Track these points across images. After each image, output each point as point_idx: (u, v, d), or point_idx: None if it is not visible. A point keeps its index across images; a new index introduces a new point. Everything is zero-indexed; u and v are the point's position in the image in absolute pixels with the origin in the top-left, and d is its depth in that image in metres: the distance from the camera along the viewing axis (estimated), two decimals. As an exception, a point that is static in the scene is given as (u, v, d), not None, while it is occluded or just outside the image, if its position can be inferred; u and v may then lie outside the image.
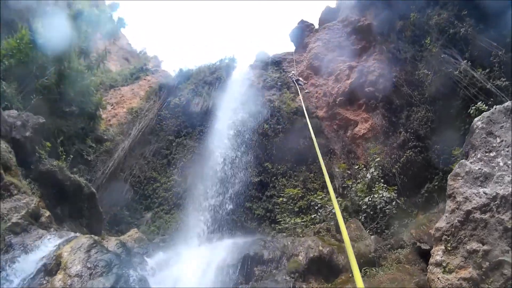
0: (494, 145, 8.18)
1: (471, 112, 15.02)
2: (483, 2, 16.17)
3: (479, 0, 16.48)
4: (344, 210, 17.60)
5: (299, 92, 23.55)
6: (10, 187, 12.03)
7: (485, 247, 7.31)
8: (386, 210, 16.38)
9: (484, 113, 9.01)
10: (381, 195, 16.70)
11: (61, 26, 19.01)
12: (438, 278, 7.95)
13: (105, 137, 23.09)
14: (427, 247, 12.13)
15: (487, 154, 8.18)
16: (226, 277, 12.07)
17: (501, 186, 7.46)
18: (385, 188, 17.14)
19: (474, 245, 7.49)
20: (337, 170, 20.54)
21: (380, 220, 16.36)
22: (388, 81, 21.03)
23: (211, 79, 27.94)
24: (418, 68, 18.99)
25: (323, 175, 19.72)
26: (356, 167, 19.67)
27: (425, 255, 12.05)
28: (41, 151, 14.73)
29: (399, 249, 13.29)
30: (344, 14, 26.11)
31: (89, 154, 21.13)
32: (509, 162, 7.73)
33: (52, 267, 10.43)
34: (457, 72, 16.70)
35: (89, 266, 10.35)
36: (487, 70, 15.84)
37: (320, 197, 18.37)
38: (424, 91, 18.59)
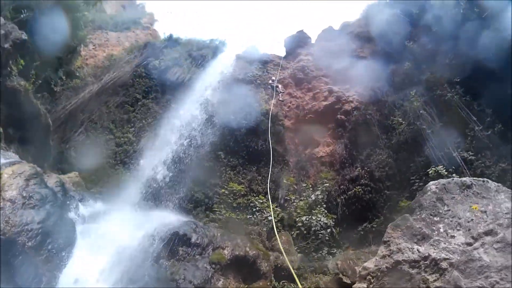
0: (441, 211, 8.57)
1: (430, 172, 15.47)
2: (477, 76, 16.58)
3: (474, 72, 16.91)
4: (279, 221, 17.68)
5: (274, 96, 23.60)
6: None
7: None
8: (319, 234, 16.64)
9: (441, 179, 9.41)
10: (319, 219, 16.94)
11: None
12: None
13: (77, 74, 22.55)
14: (348, 282, 12.37)
15: (431, 217, 8.54)
16: (150, 247, 11.98)
17: (435, 250, 7.80)
18: (325, 213, 17.41)
19: None
20: (284, 181, 20.59)
21: (311, 241, 16.56)
22: (361, 116, 21.33)
23: (196, 54, 27.63)
24: (394, 115, 19.32)
25: (270, 181, 20.11)
26: (304, 185, 19.86)
27: (344, 288, 12.31)
28: (13, 66, 14.34)
29: (321, 275, 13.46)
30: (343, 39, 26.28)
31: (56, 85, 20.48)
32: (450, 231, 8.06)
33: None
34: (429, 131, 17.12)
35: (24, 195, 10.33)
36: (458, 140, 16.29)
37: (261, 201, 18.42)
38: (392, 137, 18.93)
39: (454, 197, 8.67)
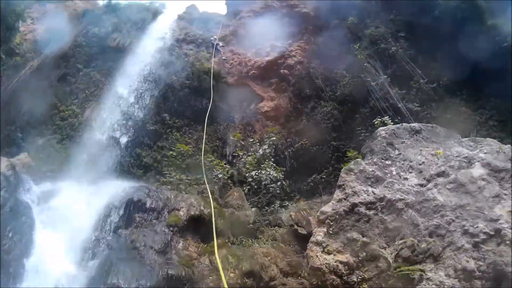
0: (392, 155, 8.92)
1: (376, 123, 15.71)
2: (422, 31, 16.91)
3: (418, 26, 17.24)
4: (229, 178, 17.74)
5: (214, 55, 23.36)
6: None
7: (364, 239, 8.04)
8: (270, 188, 16.84)
9: (390, 125, 9.73)
10: (268, 173, 17.08)
11: None
12: (317, 256, 8.50)
13: (17, 51, 21.15)
14: (304, 232, 12.67)
15: (383, 161, 8.88)
16: (107, 218, 11.95)
17: (389, 191, 8.11)
18: (274, 167, 17.56)
19: (354, 234, 8.20)
20: (231, 138, 20.61)
21: (263, 196, 16.78)
22: (305, 69, 21.48)
23: (136, 18, 26.73)
24: (338, 68, 19.49)
25: (217, 139, 20.05)
26: (251, 140, 19.91)
27: (300, 238, 12.56)
28: None
29: (276, 227, 13.67)
30: (285, -5, 26.03)
31: (-5, 66, 19.19)
32: (402, 173, 8.32)
33: None
34: (374, 83, 17.40)
35: None
36: (403, 91, 16.70)
37: (210, 159, 18.26)
38: (336, 89, 19.23)
39: (404, 141, 9.03)
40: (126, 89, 22.53)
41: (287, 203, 16.81)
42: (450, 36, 15.70)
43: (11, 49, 20.83)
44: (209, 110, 20.08)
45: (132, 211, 12.17)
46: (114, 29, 25.46)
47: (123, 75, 23.09)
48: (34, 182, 13.75)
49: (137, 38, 25.25)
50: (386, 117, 15.75)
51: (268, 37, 24.27)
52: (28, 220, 10.92)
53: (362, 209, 8.19)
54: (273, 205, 16.29)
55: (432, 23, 16.80)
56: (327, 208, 8.83)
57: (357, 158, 15.30)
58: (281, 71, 22.53)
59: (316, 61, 21.18)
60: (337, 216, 8.47)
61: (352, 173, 8.99)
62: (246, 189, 16.83)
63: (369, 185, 8.56)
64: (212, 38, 25.09)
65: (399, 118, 15.73)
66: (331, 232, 8.57)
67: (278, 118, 21.27)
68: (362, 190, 8.43)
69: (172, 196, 12.99)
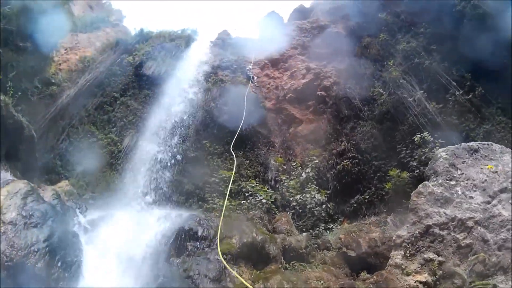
0: (455, 175, 9.12)
1: (416, 139, 15.79)
2: (453, 42, 16.94)
3: (450, 39, 17.29)
4: (273, 203, 17.80)
5: (251, 82, 23.80)
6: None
7: (440, 258, 8.44)
8: (315, 211, 16.85)
9: (449, 146, 9.93)
10: (313, 196, 17.15)
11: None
12: (397, 278, 8.79)
13: (53, 81, 21.93)
14: (353, 254, 12.74)
15: (447, 181, 9.07)
16: (159, 247, 12.05)
17: (459, 210, 8.34)
18: (318, 190, 17.61)
19: (430, 255, 8.58)
20: (273, 162, 20.72)
21: (307, 219, 16.81)
22: (341, 90, 21.55)
23: (169, 46, 27.23)
24: (374, 86, 19.61)
25: (258, 164, 20.24)
26: (293, 164, 19.98)
27: (350, 261, 12.67)
28: None
29: (325, 251, 13.76)
30: (315, 16, 26.48)
31: (33, 95, 19.92)
32: (467, 192, 8.52)
33: None
34: (411, 99, 17.46)
35: (24, 214, 10.04)
36: (441, 105, 16.68)
37: (252, 185, 18.40)
38: (374, 108, 19.22)
39: (465, 161, 9.31)
40: (165, 117, 22.91)
41: (332, 225, 16.86)
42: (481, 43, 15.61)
43: (47, 79, 21.67)
44: (235, 137, 20.33)
45: (183, 240, 12.27)
46: (148, 57, 25.90)
47: (160, 102, 23.54)
48: (79, 210, 13.70)
49: (172, 65, 25.62)
50: (425, 133, 15.81)
51: (302, 59, 24.63)
52: (77, 249, 10.87)
53: (436, 230, 8.61)
54: (317, 228, 16.27)
55: (462, 33, 16.78)
56: (403, 232, 9.24)
57: (399, 175, 15.56)
58: (318, 93, 22.74)
59: (352, 81, 21.30)
60: (413, 239, 8.93)
61: (422, 196, 9.35)
62: (291, 213, 16.93)
63: (439, 206, 8.97)
64: (247, 69, 25.21)
65: (439, 132, 15.77)
66: (408, 254, 9.08)
67: (318, 141, 21.38)
68: (434, 211, 8.84)
69: (223, 224, 13.12)
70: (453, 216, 8.50)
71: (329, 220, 17.30)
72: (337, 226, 16.78)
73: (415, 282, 8.64)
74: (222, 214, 13.20)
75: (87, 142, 21.42)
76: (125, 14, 37.77)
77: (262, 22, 29.61)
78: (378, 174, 17.70)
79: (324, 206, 17.11)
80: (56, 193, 12.55)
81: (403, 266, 8.91)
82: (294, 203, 17.40)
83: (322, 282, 11.54)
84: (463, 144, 9.97)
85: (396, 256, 9.17)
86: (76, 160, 20.48)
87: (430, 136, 15.62)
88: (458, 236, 8.35)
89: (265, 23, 29.20)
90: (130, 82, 24.76)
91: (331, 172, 19.18)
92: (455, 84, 16.65)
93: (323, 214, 16.96)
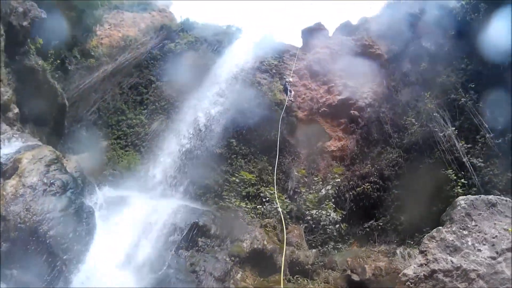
0: (469, 225, 9.33)
1: (439, 175, 15.79)
2: (492, 82, 16.84)
3: (488, 77, 17.20)
4: (288, 213, 17.94)
5: (288, 96, 23.78)
6: (-13, 67, 11.29)
7: None
8: (328, 229, 17.00)
9: (469, 196, 10.16)
10: (328, 214, 17.29)
11: None
12: None
13: (92, 53, 22.48)
14: (357, 279, 12.89)
15: (461, 230, 9.29)
16: (170, 236, 12.22)
17: (465, 261, 8.54)
18: (334, 208, 17.72)
19: None
20: (295, 173, 20.90)
21: (319, 235, 16.96)
22: (374, 113, 21.68)
23: (213, 40, 27.77)
24: (407, 115, 19.60)
25: (280, 172, 20.39)
26: (316, 178, 20.11)
27: (353, 285, 12.82)
28: (31, 45, 14.20)
29: (330, 270, 13.89)
30: (360, 34, 26.48)
31: (71, 64, 20.44)
32: (477, 245, 8.75)
33: (7, 169, 10.20)
34: (441, 134, 17.42)
35: (45, 181, 10.22)
36: (469, 145, 16.62)
37: (271, 192, 18.43)
38: (404, 137, 19.22)
39: (481, 213, 9.46)
40: (197, 109, 23.38)
41: (340, 245, 16.94)
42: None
43: (87, 51, 22.25)
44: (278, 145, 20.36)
45: (195, 235, 12.45)
46: (190, 47, 26.57)
47: (195, 94, 23.97)
48: (98, 186, 13.90)
49: (212, 60, 26.13)
50: (449, 171, 15.85)
51: (341, 75, 24.71)
52: (90, 225, 10.93)
53: (440, 276, 8.80)
54: (326, 246, 16.45)
55: (502, 75, 16.64)
56: (409, 271, 9.46)
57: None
58: (351, 112, 22.89)
59: (386, 106, 21.40)
60: (417, 279, 9.10)
61: (434, 240, 9.54)
62: (303, 227, 17.08)
63: (448, 253, 9.14)
64: (286, 81, 25.03)
65: (462, 172, 15.76)
66: None
67: (343, 159, 21.55)
68: (442, 258, 9.02)
69: (237, 226, 13.38)
70: (459, 265, 8.67)
71: (339, 240, 17.33)
72: (346, 247, 16.88)
73: (412, 322, 8.93)
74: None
75: (116, 119, 22.04)
76: (173, 1, 37.98)
77: (307, 31, 29.63)
78: (396, 203, 17.66)
79: (337, 225, 17.21)
80: (79, 165, 12.68)
81: None
82: (309, 217, 17.60)
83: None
84: (482, 196, 10.03)
85: None
86: (102, 134, 21.03)
87: (454, 175, 15.61)
88: (459, 285, 8.54)
89: (310, 33, 29.24)
90: (168, 69, 25.17)
91: (351, 193, 19.17)
92: (487, 126, 16.55)
93: (335, 233, 17.07)
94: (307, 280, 12.77)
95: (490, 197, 9.79)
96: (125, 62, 23.97)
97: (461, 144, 16.73)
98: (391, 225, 17.19)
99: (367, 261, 13.64)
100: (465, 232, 9.23)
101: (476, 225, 9.25)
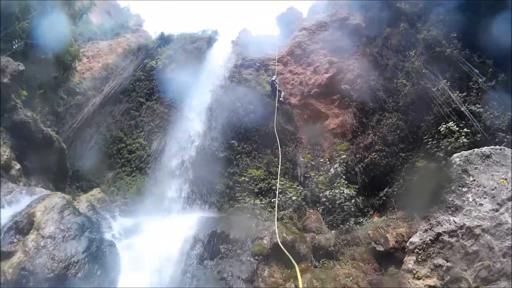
0: (467, 182, 9.47)
1: (441, 129, 15.75)
2: (473, 28, 16.81)
3: (469, 25, 17.15)
4: (303, 199, 18.07)
5: (276, 93, 23.65)
6: (-19, 134, 11.41)
7: (448, 264, 8.74)
8: (345, 206, 17.03)
9: (463, 152, 10.39)
10: (342, 191, 17.32)
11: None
12: (408, 282, 9.30)
13: (77, 90, 22.62)
14: (382, 249, 12.97)
15: (460, 188, 9.42)
16: (192, 250, 12.30)
17: (468, 218, 8.73)
18: (346, 185, 17.76)
19: (439, 260, 8.90)
20: (301, 159, 20.94)
21: (337, 214, 17.01)
22: (365, 82, 21.64)
23: (191, 48, 27.78)
24: (397, 77, 19.62)
25: (286, 161, 20.46)
26: (322, 160, 20.16)
27: (378, 256, 12.89)
28: (17, 100, 14.31)
29: (354, 247, 13.95)
30: (334, 9, 26.44)
31: (59, 106, 20.62)
32: (478, 199, 8.81)
33: (24, 225, 10.38)
34: (434, 89, 17.42)
35: (62, 228, 10.37)
36: (464, 94, 16.60)
37: (282, 182, 18.48)
38: (399, 100, 19.19)
39: (477, 167, 9.54)
40: (191, 119, 23.55)
41: (361, 219, 16.96)
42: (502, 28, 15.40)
43: (72, 89, 22.39)
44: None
45: (216, 243, 12.56)
46: (171, 60, 26.50)
47: (186, 105, 24.15)
48: (113, 218, 14.18)
49: (195, 68, 26.06)
50: (450, 123, 15.78)
51: (324, 53, 24.72)
52: (114, 257, 11.11)
53: (446, 237, 8.96)
54: (347, 223, 16.44)
55: (481, 19, 16.57)
56: (415, 239, 9.66)
57: (427, 167, 15.58)
58: (342, 86, 22.86)
59: (375, 73, 21.35)
60: (424, 245, 9.35)
61: (434, 204, 9.60)
62: (320, 209, 17.17)
63: (450, 214, 9.29)
64: (272, 80, 24.44)
65: (464, 122, 15.75)
66: (419, 259, 9.45)
67: (345, 134, 21.58)
68: (445, 219, 9.17)
69: (253, 225, 13.37)
70: (462, 224, 8.84)
71: (359, 214, 17.37)
72: (367, 220, 16.92)
73: (424, 286, 9.07)
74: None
75: (116, 148, 22.21)
76: (144, 18, 38.13)
77: (281, 18, 29.73)
78: (405, 166, 17.65)
79: (353, 200, 17.25)
80: (91, 203, 13.01)
81: (414, 271, 9.33)
82: (324, 199, 17.64)
83: (351, 278, 11.80)
84: (476, 150, 10.12)
85: (409, 262, 9.60)
86: (105, 166, 21.19)
87: (455, 126, 15.59)
88: (466, 243, 8.69)
89: (284, 19, 29.30)
90: (154, 86, 25.47)
91: (359, 166, 19.27)
92: (477, 71, 16.53)
93: (353, 209, 17.11)
94: (333, 262, 12.84)
95: (484, 149, 9.89)
96: (111, 90, 24.06)
97: (456, 94, 16.70)
98: (405, 189, 17.13)
99: (388, 230, 13.68)
100: (464, 189, 9.34)
101: (474, 180, 9.35)
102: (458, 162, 9.86)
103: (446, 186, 9.78)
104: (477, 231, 8.56)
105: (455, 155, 10.21)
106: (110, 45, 28.32)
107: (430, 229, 9.32)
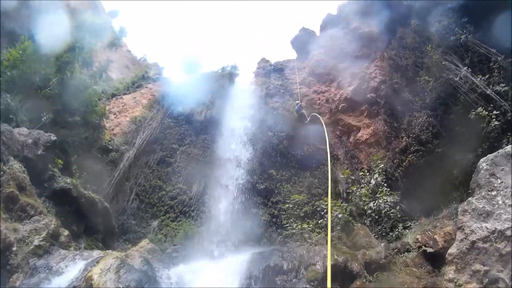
0: (495, 185, 9.75)
1: (471, 117, 15.46)
2: (482, 9, 16.59)
3: (478, 6, 16.94)
4: (349, 214, 17.91)
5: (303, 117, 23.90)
6: (27, 207, 12.03)
7: (485, 268, 8.99)
8: (391, 214, 16.90)
9: (489, 155, 10.44)
10: (385, 200, 17.18)
11: (63, 37, 18.89)
12: None
13: (110, 147, 23.09)
14: (432, 251, 12.83)
15: (489, 192, 9.76)
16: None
17: (499, 222, 9.20)
18: (389, 192, 17.66)
19: (477, 266, 9.22)
20: (341, 176, 20.89)
21: (385, 223, 16.86)
22: (389, 87, 21.55)
23: (214, 87, 28.14)
24: (419, 75, 19.34)
25: (326, 180, 20.38)
26: (361, 173, 20.12)
27: (430, 258, 12.71)
28: (54, 168, 14.68)
29: (406, 253, 13.78)
30: (345, 21, 26.60)
31: (95, 165, 21.20)
32: (507, 201, 9.00)
33: None
34: (457, 78, 17.09)
35: (121, 286, 10.64)
36: (487, 76, 16.21)
37: (326, 202, 18.42)
38: (425, 97, 18.91)
39: (503, 168, 9.76)
40: (228, 157, 23.80)
41: (409, 223, 16.73)
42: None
43: (104, 146, 22.71)
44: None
45: (271, 276, 12.53)
46: (196, 103, 26.75)
47: (220, 144, 24.46)
48: (167, 268, 14.06)
49: (221, 106, 26.51)
50: (479, 109, 15.43)
51: (344, 66, 24.79)
52: None
53: (480, 244, 9.20)
54: (396, 229, 16.31)
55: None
56: (453, 250, 9.87)
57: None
58: (368, 95, 22.88)
59: (397, 75, 21.19)
60: (462, 255, 9.50)
61: (467, 213, 9.86)
62: (367, 222, 17.06)
63: (482, 220, 9.47)
64: (296, 104, 24.79)
65: (492, 105, 15.38)
66: (459, 268, 9.57)
67: (379, 143, 21.44)
68: (478, 227, 9.37)
69: (304, 252, 13.29)
70: (494, 229, 9.03)
71: (406, 218, 17.15)
72: (415, 223, 16.62)
73: (466, 292, 9.30)
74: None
75: (157, 197, 22.54)
76: (162, 65, 38.72)
77: (295, 40, 30.06)
78: (444, 161, 17.29)
79: (398, 207, 17.10)
80: (144, 258, 13.05)
81: (455, 279, 9.50)
82: (369, 211, 17.57)
83: (406, 286, 11.67)
84: (500, 151, 10.11)
85: (449, 272, 9.77)
86: (149, 215, 21.61)
87: (484, 110, 15.27)
88: (499, 246, 8.91)
89: (299, 40, 29.61)
90: (185, 131, 25.82)
91: (398, 170, 19.01)
92: (494, 50, 16.20)
93: (399, 215, 16.94)
94: (386, 274, 12.71)
95: (507, 148, 9.91)
96: (143, 142, 24.45)
97: (479, 79, 16.39)
98: (450, 184, 16.71)
99: (435, 231, 13.50)
100: (494, 193, 9.53)
101: (502, 182, 9.51)
102: (485, 167, 10.00)
103: (477, 193, 9.90)
104: (508, 232, 8.78)
105: (481, 160, 10.28)
106: (134, 97, 28.77)
107: (465, 239, 9.57)
